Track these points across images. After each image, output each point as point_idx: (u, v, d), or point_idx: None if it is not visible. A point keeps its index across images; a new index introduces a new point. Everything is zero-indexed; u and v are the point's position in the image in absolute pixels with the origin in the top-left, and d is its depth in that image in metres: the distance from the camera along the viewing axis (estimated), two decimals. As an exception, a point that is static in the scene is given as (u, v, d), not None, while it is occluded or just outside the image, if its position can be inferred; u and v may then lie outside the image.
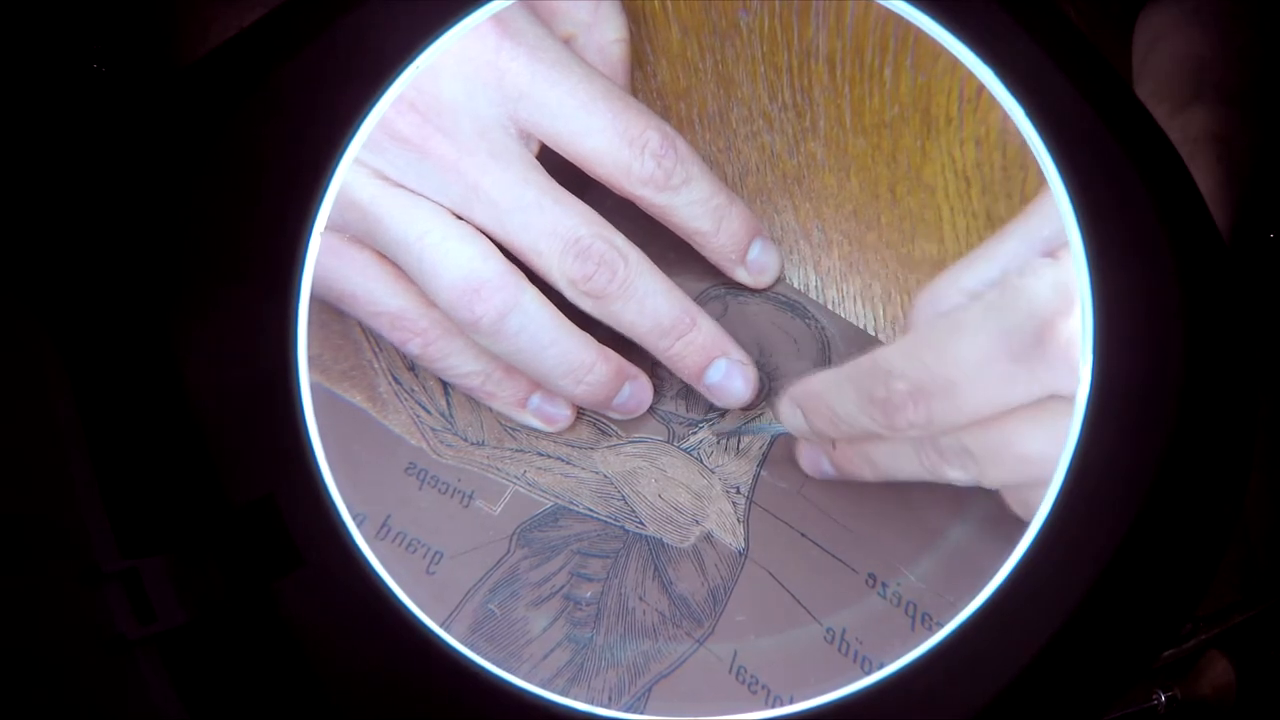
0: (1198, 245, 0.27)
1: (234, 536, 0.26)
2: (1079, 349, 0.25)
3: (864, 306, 0.34)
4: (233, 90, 0.29)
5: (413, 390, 0.33)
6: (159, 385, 0.27)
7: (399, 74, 0.28)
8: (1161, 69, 0.43)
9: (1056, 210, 0.26)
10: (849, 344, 0.34)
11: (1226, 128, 0.40)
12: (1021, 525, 0.26)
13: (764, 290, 0.34)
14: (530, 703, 0.26)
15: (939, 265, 0.33)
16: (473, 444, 0.32)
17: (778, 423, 0.31)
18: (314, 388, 0.27)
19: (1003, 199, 0.33)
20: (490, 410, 0.33)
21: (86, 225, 0.29)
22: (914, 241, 0.34)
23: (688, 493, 0.32)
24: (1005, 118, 0.27)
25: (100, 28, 0.39)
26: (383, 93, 0.28)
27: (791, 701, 0.27)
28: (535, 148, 0.30)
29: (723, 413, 0.33)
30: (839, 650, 0.30)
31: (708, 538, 0.31)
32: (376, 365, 0.33)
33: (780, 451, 0.32)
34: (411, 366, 0.33)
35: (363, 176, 0.29)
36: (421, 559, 0.30)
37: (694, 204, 0.31)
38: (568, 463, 0.32)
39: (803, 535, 0.31)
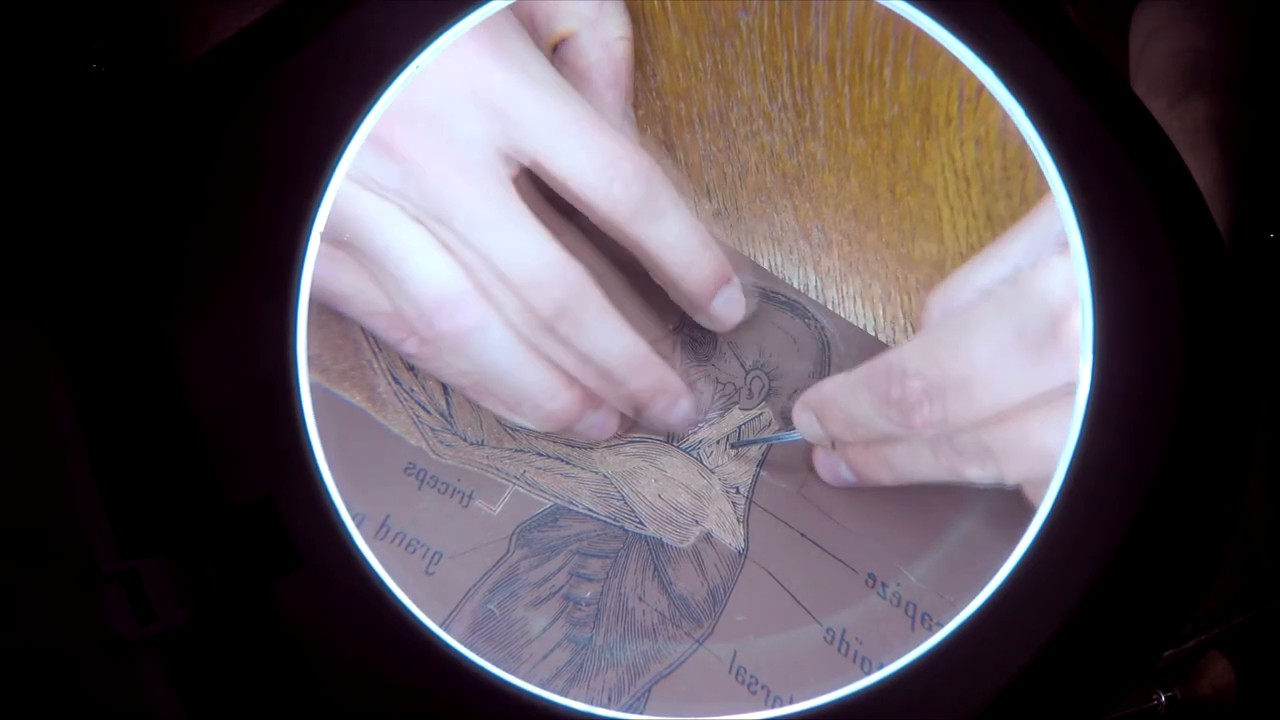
0: (1198, 245, 0.27)
1: (233, 537, 0.26)
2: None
3: (864, 306, 0.34)
4: (232, 90, 0.29)
5: (412, 390, 0.33)
6: (158, 385, 0.27)
7: (398, 74, 0.28)
8: (1157, 63, 0.43)
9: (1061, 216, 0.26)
10: (849, 344, 0.34)
11: (1226, 116, 0.40)
12: (1021, 525, 0.26)
13: (761, 292, 0.34)
14: (530, 703, 0.26)
15: (939, 265, 0.33)
16: (472, 444, 0.32)
17: (793, 430, 0.31)
18: (313, 388, 0.27)
19: (1003, 199, 0.33)
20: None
21: (86, 225, 0.29)
22: (914, 241, 0.34)
23: (687, 493, 0.32)
24: (1005, 118, 0.27)
25: (100, 28, 0.39)
26: (382, 93, 0.28)
27: (791, 702, 0.26)
28: (514, 170, 0.30)
29: (722, 413, 0.33)
30: (839, 650, 0.30)
31: (707, 538, 0.31)
32: (376, 365, 0.33)
33: (780, 452, 0.32)
34: (411, 366, 0.33)
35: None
36: (421, 559, 0.30)
37: (662, 241, 0.30)
38: (567, 463, 0.32)
39: (803, 535, 0.31)
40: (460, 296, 0.29)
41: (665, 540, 0.31)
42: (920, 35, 0.28)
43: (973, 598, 0.26)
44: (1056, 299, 0.26)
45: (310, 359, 0.27)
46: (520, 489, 0.32)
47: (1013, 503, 0.30)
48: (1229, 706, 0.38)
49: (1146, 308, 0.26)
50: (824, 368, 0.33)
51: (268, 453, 0.27)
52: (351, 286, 0.30)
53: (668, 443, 0.33)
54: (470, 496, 0.31)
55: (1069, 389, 0.26)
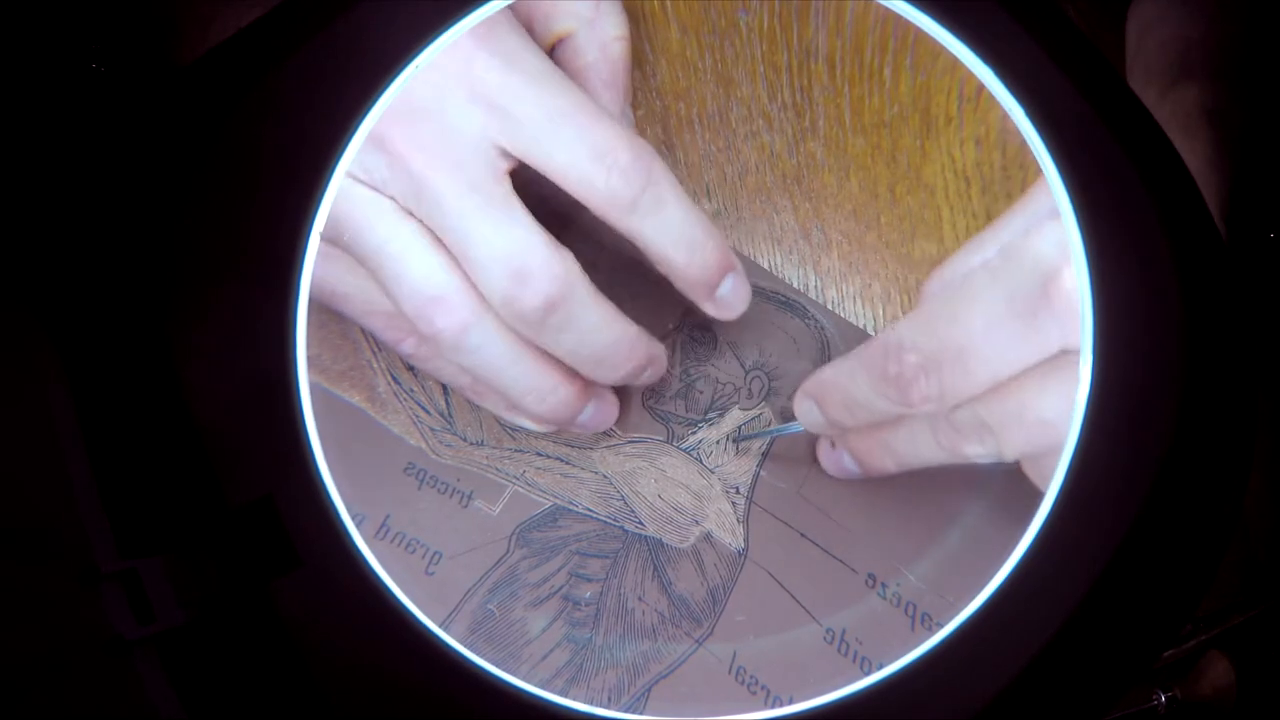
0: (1198, 245, 0.27)
1: (233, 537, 0.26)
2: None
3: (864, 306, 0.34)
4: (231, 90, 0.28)
5: (412, 390, 0.33)
6: (157, 385, 0.27)
7: (398, 74, 0.28)
8: (1151, 53, 0.43)
9: (1053, 193, 0.26)
10: (849, 344, 0.33)
11: (1218, 102, 0.40)
12: (1021, 525, 0.26)
13: (761, 292, 0.34)
14: (529, 703, 0.26)
15: (939, 265, 0.33)
16: (472, 444, 0.32)
17: (794, 421, 0.31)
18: (313, 388, 0.27)
19: (1002, 199, 0.33)
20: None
21: (85, 225, 0.29)
22: (914, 241, 0.34)
23: (687, 493, 0.32)
24: (1005, 117, 0.27)
25: (99, 27, 0.39)
26: (382, 93, 0.28)
27: (791, 702, 0.26)
28: (510, 165, 0.29)
29: (722, 413, 0.33)
30: (839, 650, 0.30)
31: (707, 538, 0.31)
32: (375, 365, 0.33)
33: (780, 451, 0.32)
34: (410, 366, 0.33)
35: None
36: (420, 559, 0.30)
37: (663, 232, 0.30)
38: (567, 463, 0.32)
39: (802, 535, 0.31)
40: (454, 292, 0.29)
41: (665, 540, 0.31)
42: (920, 35, 0.28)
43: (973, 598, 0.26)
44: (1046, 261, 0.26)
45: (310, 359, 0.27)
46: (520, 489, 0.32)
47: (1013, 503, 0.30)
48: (1229, 706, 0.38)
49: (1146, 308, 0.26)
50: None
51: (267, 453, 0.27)
52: (351, 286, 0.30)
53: (668, 443, 0.33)
54: (470, 496, 0.31)
55: (1063, 357, 0.26)
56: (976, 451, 0.28)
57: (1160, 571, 0.26)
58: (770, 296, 0.34)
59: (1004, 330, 0.26)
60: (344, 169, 0.28)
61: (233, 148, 0.28)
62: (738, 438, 0.33)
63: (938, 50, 0.28)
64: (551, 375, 0.30)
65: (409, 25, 0.28)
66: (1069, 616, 0.25)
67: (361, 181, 0.29)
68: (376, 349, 0.33)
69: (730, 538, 0.31)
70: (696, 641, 0.30)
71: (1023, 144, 0.27)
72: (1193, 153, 0.39)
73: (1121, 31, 0.45)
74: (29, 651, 0.24)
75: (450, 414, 0.33)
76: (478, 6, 0.28)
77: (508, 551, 0.31)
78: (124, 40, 0.40)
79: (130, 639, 0.25)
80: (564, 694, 0.26)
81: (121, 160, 0.29)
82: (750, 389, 0.33)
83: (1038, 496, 0.26)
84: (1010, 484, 0.30)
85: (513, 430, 0.33)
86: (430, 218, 0.29)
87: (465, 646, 0.26)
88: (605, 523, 0.31)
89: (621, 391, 0.33)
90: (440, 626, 0.26)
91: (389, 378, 0.33)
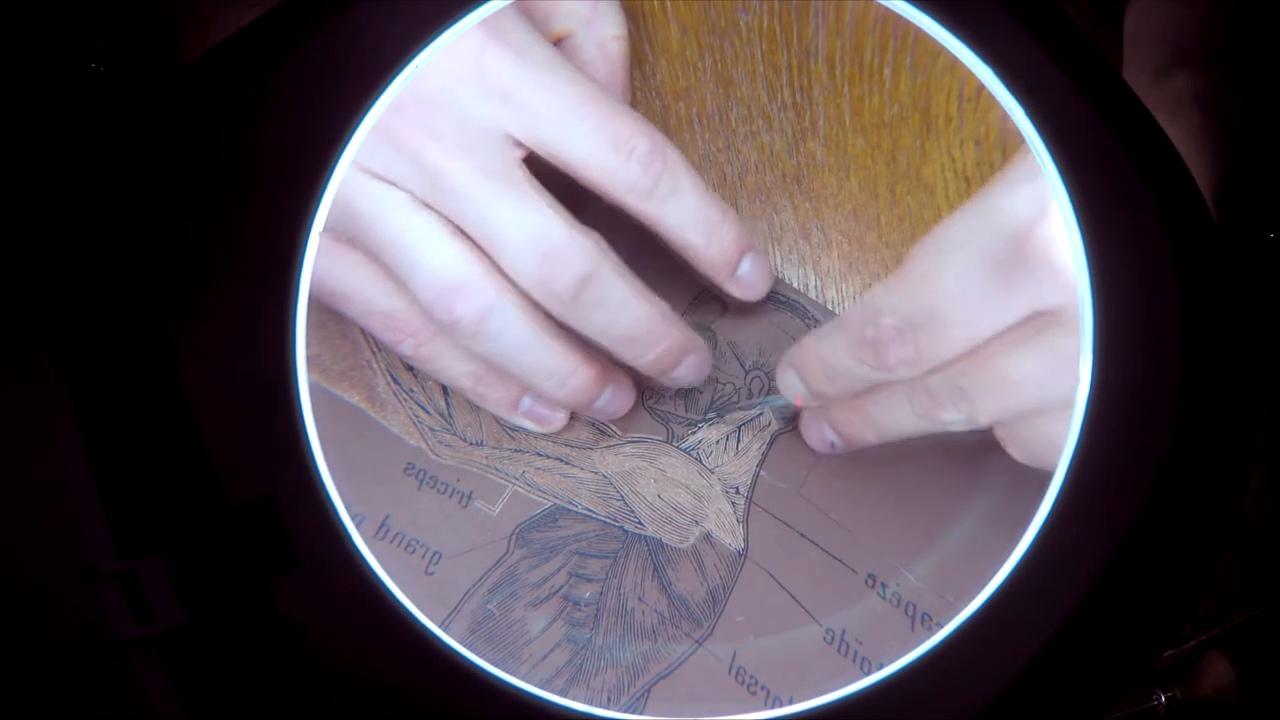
0: (1198, 245, 0.27)
1: (232, 537, 0.26)
2: (1058, 254, 0.25)
3: (863, 306, 0.34)
4: (231, 90, 0.28)
5: (411, 390, 0.33)
6: (156, 385, 0.27)
7: (398, 74, 0.28)
8: (1145, 42, 0.43)
9: (1034, 157, 0.26)
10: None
11: (1210, 88, 0.40)
12: (1021, 525, 0.26)
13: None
14: (529, 703, 0.26)
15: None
16: (471, 444, 0.32)
17: (776, 396, 0.31)
18: (312, 388, 0.27)
19: (1002, 199, 0.32)
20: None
21: (84, 225, 0.29)
22: (913, 241, 0.33)
23: (687, 493, 0.32)
24: (1005, 117, 0.27)
25: (99, 27, 0.39)
26: (381, 92, 0.28)
27: (791, 702, 0.26)
28: (522, 154, 0.30)
29: (722, 413, 0.33)
30: (839, 651, 0.29)
31: (707, 538, 0.31)
32: (375, 365, 0.33)
33: (780, 452, 0.32)
34: (410, 366, 0.33)
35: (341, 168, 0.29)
36: (420, 559, 0.30)
37: (682, 215, 0.30)
38: (567, 463, 0.32)
39: (802, 536, 0.31)
40: (473, 279, 0.29)
41: (665, 541, 0.31)
42: (920, 35, 0.28)
43: (973, 598, 0.26)
44: (1018, 219, 0.26)
45: (309, 359, 0.27)
46: (520, 489, 0.32)
47: (1013, 503, 0.30)
48: (1229, 706, 0.38)
49: (1146, 308, 0.26)
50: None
51: (267, 453, 0.27)
52: (351, 286, 0.30)
53: (667, 443, 0.33)
54: (470, 497, 0.31)
55: (1037, 319, 0.26)
56: (952, 417, 0.28)
57: (1160, 571, 0.26)
58: (770, 296, 0.34)
59: (977, 289, 0.26)
60: (344, 169, 0.28)
61: (232, 147, 0.28)
62: (722, 411, 0.32)
63: (938, 50, 0.28)
64: (570, 358, 0.30)
65: (409, 25, 0.28)
66: (1069, 616, 0.25)
67: (377, 177, 0.29)
68: (376, 349, 0.33)
69: (730, 538, 0.31)
70: (696, 642, 0.30)
71: (1023, 144, 0.27)
72: (1179, 133, 0.39)
73: (1121, 30, 0.45)
74: (29, 651, 0.24)
75: (450, 414, 0.33)
76: (477, 6, 0.28)
77: (507, 551, 0.31)
78: (124, 40, 0.40)
79: (130, 639, 0.25)
80: (564, 694, 0.26)
81: (121, 160, 0.29)
82: (750, 389, 0.33)
83: (1038, 496, 0.26)
84: (1010, 484, 0.30)
85: (512, 430, 0.33)
86: (450, 208, 0.29)
87: (465, 646, 0.26)
88: (605, 523, 0.31)
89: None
90: (440, 626, 0.26)
91: (388, 378, 0.33)
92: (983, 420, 0.28)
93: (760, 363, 0.33)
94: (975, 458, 0.30)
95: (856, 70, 0.33)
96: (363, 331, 0.33)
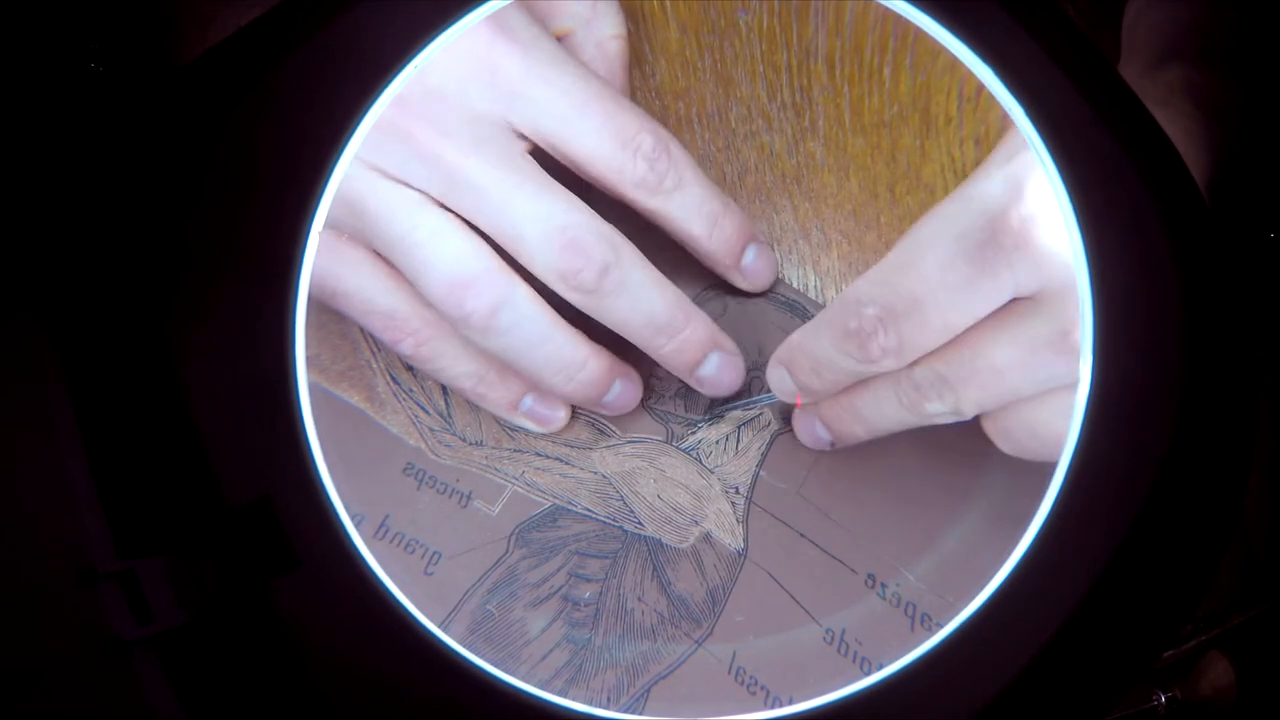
0: (1198, 245, 0.27)
1: (231, 537, 0.26)
2: (1035, 235, 0.25)
3: (863, 306, 0.34)
4: (230, 89, 0.28)
5: (411, 390, 0.33)
6: (156, 385, 0.27)
7: (397, 73, 0.28)
8: (1141, 37, 0.43)
9: (1019, 140, 0.26)
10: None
11: (1202, 79, 0.40)
12: (1021, 525, 0.26)
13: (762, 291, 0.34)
14: (528, 703, 0.26)
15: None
16: (471, 444, 0.32)
17: (766, 393, 0.31)
18: (312, 388, 0.27)
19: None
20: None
21: (84, 225, 0.29)
22: (913, 241, 0.33)
23: (687, 493, 0.32)
24: (1005, 117, 0.27)
25: (98, 27, 0.39)
26: (381, 92, 0.28)
27: (791, 702, 0.26)
28: (528, 148, 0.30)
29: (722, 413, 0.33)
30: (838, 651, 0.29)
31: (707, 538, 0.31)
32: (374, 365, 0.33)
33: (780, 452, 0.32)
34: (410, 366, 0.33)
35: (351, 168, 0.29)
36: (420, 559, 0.30)
37: (687, 208, 0.31)
38: (566, 463, 0.32)
39: (802, 536, 0.31)
40: (483, 273, 0.29)
41: (664, 541, 0.31)
42: (920, 35, 0.28)
43: (973, 598, 0.26)
44: (993, 202, 0.26)
45: (309, 359, 0.27)
46: (519, 489, 0.32)
47: (1013, 503, 0.30)
48: (1229, 706, 0.38)
49: (1146, 308, 0.26)
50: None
51: (266, 453, 0.27)
52: (351, 284, 0.30)
53: (667, 443, 0.33)
54: (469, 497, 0.31)
55: (1016, 304, 0.26)
56: (937, 409, 0.28)
57: (1160, 571, 0.26)
58: (770, 296, 0.34)
59: (956, 275, 0.26)
60: (344, 168, 0.28)
61: (232, 147, 0.28)
62: (722, 411, 0.33)
63: (938, 50, 0.28)
64: (580, 351, 0.31)
65: (408, 25, 0.28)
66: (1069, 616, 0.25)
67: (390, 178, 0.29)
68: (375, 349, 0.33)
69: (730, 538, 0.31)
70: (696, 642, 0.30)
71: (1002, 131, 0.27)
72: (1167, 120, 0.39)
73: (1120, 30, 0.45)
74: (28, 651, 0.24)
75: (449, 414, 0.33)
76: (476, 6, 0.28)
77: (507, 552, 0.31)
78: (123, 40, 0.40)
79: (129, 639, 0.25)
80: (563, 694, 0.26)
81: (121, 160, 0.29)
82: (750, 389, 0.33)
83: (1037, 497, 0.26)
84: (1010, 485, 0.30)
85: (512, 430, 0.33)
86: (469, 204, 0.29)
87: (464, 647, 0.26)
88: (605, 523, 0.31)
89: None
90: (439, 627, 0.26)
91: (388, 378, 0.33)
92: (968, 410, 0.28)
93: (760, 363, 0.33)
94: (975, 458, 0.30)
95: (856, 70, 0.33)
96: (362, 331, 0.33)
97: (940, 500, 0.31)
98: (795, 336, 0.30)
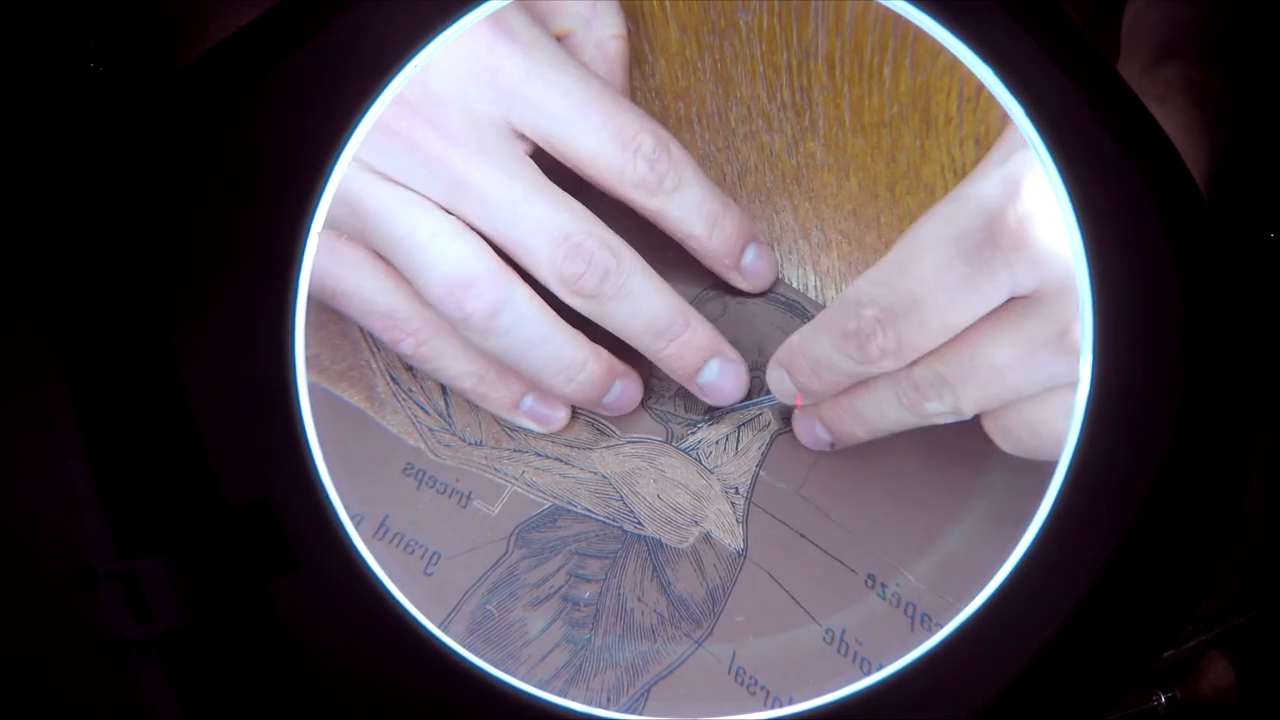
0: (1198, 245, 0.27)
1: (231, 537, 0.26)
2: (1031, 234, 0.25)
3: (863, 306, 0.34)
4: (230, 89, 0.28)
5: (410, 390, 0.33)
6: (156, 385, 0.27)
7: (397, 74, 0.28)
8: (1140, 36, 0.43)
9: (1017, 138, 0.26)
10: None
11: (1200, 76, 0.40)
12: (1021, 525, 0.26)
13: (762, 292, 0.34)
14: (528, 704, 0.26)
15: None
16: (471, 444, 0.32)
17: (766, 394, 0.31)
18: (311, 388, 0.27)
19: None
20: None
21: (83, 225, 0.29)
22: (913, 241, 0.33)
23: (686, 493, 0.32)
24: (1005, 117, 0.27)
25: (98, 27, 0.39)
26: (381, 92, 0.28)
27: (791, 702, 0.26)
28: (528, 149, 0.30)
29: (722, 413, 0.33)
30: (838, 651, 0.29)
31: (706, 538, 0.31)
32: (374, 365, 0.33)
33: (780, 452, 0.32)
34: (409, 366, 0.33)
35: (351, 170, 0.29)
36: (419, 559, 0.30)
37: (687, 209, 0.31)
38: (566, 463, 0.32)
39: (802, 536, 0.31)
40: (483, 274, 0.29)
41: (664, 541, 0.31)
42: (920, 35, 0.28)
43: (973, 598, 0.26)
44: (990, 201, 0.26)
45: (309, 359, 0.27)
46: (519, 489, 0.32)
47: (1013, 503, 0.30)
48: (1229, 706, 0.38)
49: (1146, 308, 0.26)
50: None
51: (266, 453, 0.27)
52: (351, 284, 0.30)
53: (667, 443, 0.33)
54: (469, 497, 0.31)
55: (1014, 304, 0.26)
56: (936, 409, 0.28)
57: (1160, 571, 0.26)
58: (770, 297, 0.34)
59: (954, 275, 0.26)
60: (343, 168, 0.28)
61: (232, 147, 0.28)
62: (714, 415, 0.33)
63: (938, 50, 0.28)
64: (580, 352, 0.31)
65: (408, 25, 0.28)
66: (1069, 616, 0.25)
67: (393, 182, 0.29)
68: (375, 349, 0.33)
69: (729, 538, 0.31)
70: (696, 642, 0.30)
71: (1000, 131, 0.27)
72: (1166, 119, 0.39)
73: (1120, 29, 0.45)
74: (28, 651, 0.24)
75: (449, 414, 0.33)
76: (476, 6, 0.28)
77: (507, 552, 0.31)
78: (123, 40, 0.40)
79: (129, 639, 0.25)
80: (563, 694, 0.26)
81: (121, 160, 0.29)
82: (750, 390, 0.33)
83: (1037, 497, 0.26)
84: (1010, 485, 0.30)
85: (512, 430, 0.33)
86: (470, 210, 0.29)
87: (464, 647, 0.26)
88: (604, 523, 0.31)
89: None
90: (439, 627, 0.26)
91: (388, 378, 0.33)
92: (967, 410, 0.28)
93: (760, 363, 0.33)
94: (975, 458, 0.30)
95: (856, 70, 0.33)
96: (362, 331, 0.33)
97: (940, 500, 0.31)
98: (794, 338, 0.30)
